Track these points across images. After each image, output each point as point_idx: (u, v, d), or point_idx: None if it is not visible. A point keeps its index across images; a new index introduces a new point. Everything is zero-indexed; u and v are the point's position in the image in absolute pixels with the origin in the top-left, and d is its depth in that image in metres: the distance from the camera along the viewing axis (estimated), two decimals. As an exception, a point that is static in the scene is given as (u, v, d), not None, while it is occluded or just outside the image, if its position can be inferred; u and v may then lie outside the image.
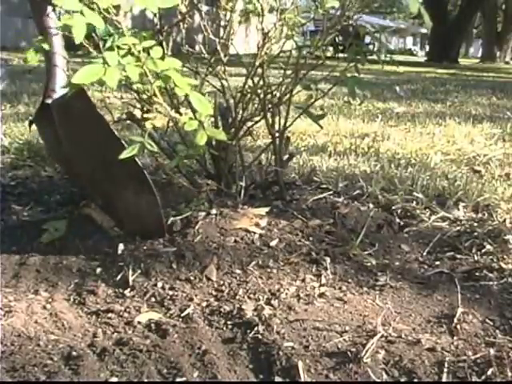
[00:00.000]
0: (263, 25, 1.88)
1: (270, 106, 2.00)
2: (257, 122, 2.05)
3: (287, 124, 2.06)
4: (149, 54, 1.40)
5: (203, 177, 2.14)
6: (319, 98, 2.00)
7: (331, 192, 2.20)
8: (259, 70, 1.94)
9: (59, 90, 1.65)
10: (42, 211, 2.00)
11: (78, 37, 1.35)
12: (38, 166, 2.64)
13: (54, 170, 2.53)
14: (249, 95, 1.97)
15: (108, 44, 1.44)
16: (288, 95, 1.98)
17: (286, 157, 2.13)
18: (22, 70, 5.79)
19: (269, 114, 2.01)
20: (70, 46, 1.57)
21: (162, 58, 1.43)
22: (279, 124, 2.07)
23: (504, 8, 26.47)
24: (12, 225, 1.89)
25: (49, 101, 1.71)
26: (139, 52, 1.39)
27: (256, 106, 2.00)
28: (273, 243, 1.68)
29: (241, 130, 2.02)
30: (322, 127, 2.11)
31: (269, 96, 1.98)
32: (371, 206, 2.08)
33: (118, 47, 1.37)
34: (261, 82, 1.95)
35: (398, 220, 1.97)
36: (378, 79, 8.15)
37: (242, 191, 1.98)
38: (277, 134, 2.06)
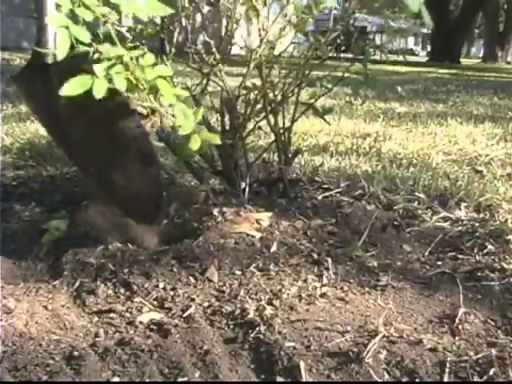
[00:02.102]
0: (264, 25, 1.87)
1: (272, 104, 1.99)
2: (261, 120, 2.04)
3: (291, 121, 2.05)
4: (137, 61, 1.38)
5: (209, 173, 2.13)
6: (323, 94, 1.99)
7: (337, 190, 2.19)
8: (262, 70, 1.93)
9: (57, 53, 1.45)
10: (44, 211, 2.00)
11: (61, 51, 1.32)
12: (40, 166, 2.64)
13: (55, 169, 2.53)
14: (252, 94, 1.97)
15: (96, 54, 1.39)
16: (293, 93, 1.97)
17: (290, 154, 2.12)
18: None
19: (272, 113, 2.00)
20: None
21: (154, 65, 1.40)
22: (283, 122, 2.06)
23: (506, 8, 26.46)
24: (13, 225, 1.89)
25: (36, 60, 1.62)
26: (127, 61, 1.36)
27: (260, 104, 2.00)
28: (275, 244, 1.68)
29: (245, 128, 2.01)
30: (329, 123, 2.09)
31: (271, 95, 1.97)
32: (373, 206, 2.07)
33: (108, 59, 1.34)
34: (264, 81, 1.94)
35: (400, 220, 1.96)
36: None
37: (247, 189, 1.97)
38: (281, 132, 2.05)
